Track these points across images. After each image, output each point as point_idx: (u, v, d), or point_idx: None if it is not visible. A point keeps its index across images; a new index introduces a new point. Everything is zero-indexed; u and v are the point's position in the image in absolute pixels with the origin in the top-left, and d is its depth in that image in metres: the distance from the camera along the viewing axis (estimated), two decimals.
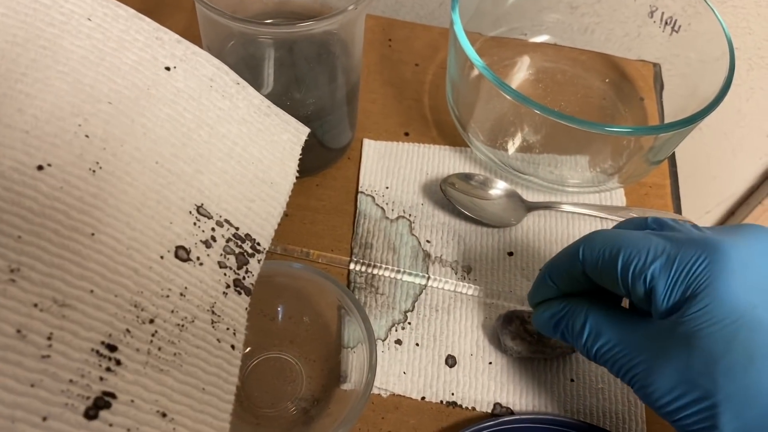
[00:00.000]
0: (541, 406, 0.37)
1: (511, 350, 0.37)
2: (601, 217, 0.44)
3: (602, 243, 0.29)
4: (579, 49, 0.51)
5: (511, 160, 0.44)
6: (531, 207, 0.43)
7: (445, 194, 0.42)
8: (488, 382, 0.38)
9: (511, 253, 0.42)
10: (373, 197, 0.44)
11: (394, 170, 0.45)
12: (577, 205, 0.44)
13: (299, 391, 0.37)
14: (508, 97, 0.38)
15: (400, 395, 0.37)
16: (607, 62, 0.51)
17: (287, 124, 0.32)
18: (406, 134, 0.47)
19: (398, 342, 0.39)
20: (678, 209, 0.45)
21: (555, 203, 0.44)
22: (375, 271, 0.41)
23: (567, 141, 0.43)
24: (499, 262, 0.42)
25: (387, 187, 0.44)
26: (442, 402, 0.37)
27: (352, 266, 0.41)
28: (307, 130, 0.33)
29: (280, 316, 0.37)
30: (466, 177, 0.43)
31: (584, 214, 0.44)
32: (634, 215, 0.44)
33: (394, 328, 0.39)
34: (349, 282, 0.40)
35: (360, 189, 0.44)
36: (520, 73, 0.50)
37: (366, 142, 0.46)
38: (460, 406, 0.37)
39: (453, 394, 0.37)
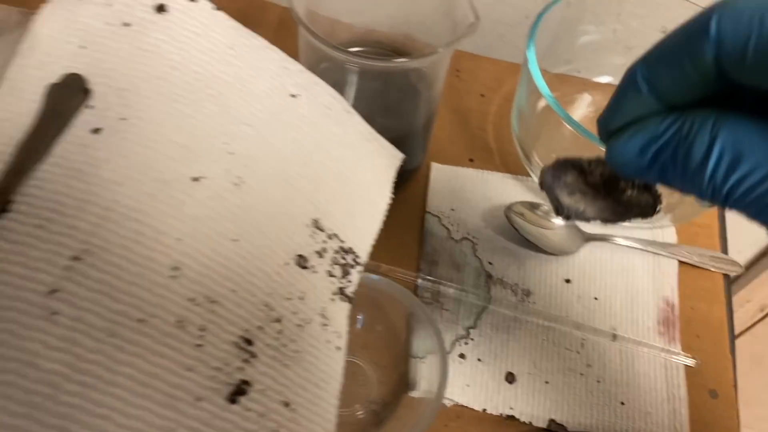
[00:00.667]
0: (592, 425, 0.40)
1: (570, 211, 0.29)
2: (653, 252, 0.47)
3: (757, 7, 0.18)
4: None
5: None
6: (588, 238, 0.47)
7: (509, 221, 0.46)
8: (544, 400, 0.41)
9: (568, 281, 0.46)
10: (439, 218, 0.48)
11: (459, 194, 0.49)
12: (630, 239, 0.47)
13: (370, 394, 0.40)
14: (570, 128, 0.41)
15: (463, 405, 0.41)
16: None
17: (385, 150, 0.36)
18: (471, 160, 0.51)
19: (462, 356, 0.42)
20: (725, 249, 0.49)
21: (610, 236, 0.47)
22: (440, 288, 0.44)
23: None
24: (557, 288, 0.45)
25: (452, 209, 0.48)
26: (501, 415, 0.40)
27: (419, 281, 0.44)
28: (401, 156, 0.37)
29: (358, 323, 0.41)
30: (532, 206, 0.46)
31: (638, 248, 0.47)
32: (686, 253, 0.47)
33: (458, 343, 0.43)
34: (416, 296, 0.44)
35: (427, 209, 0.48)
36: (581, 110, 0.53)
37: (434, 165, 0.50)
38: (518, 420, 0.40)
39: (512, 408, 0.41)
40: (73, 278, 0.24)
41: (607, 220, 0.28)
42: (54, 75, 0.28)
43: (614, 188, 0.27)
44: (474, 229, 0.48)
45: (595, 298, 0.46)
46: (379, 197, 0.35)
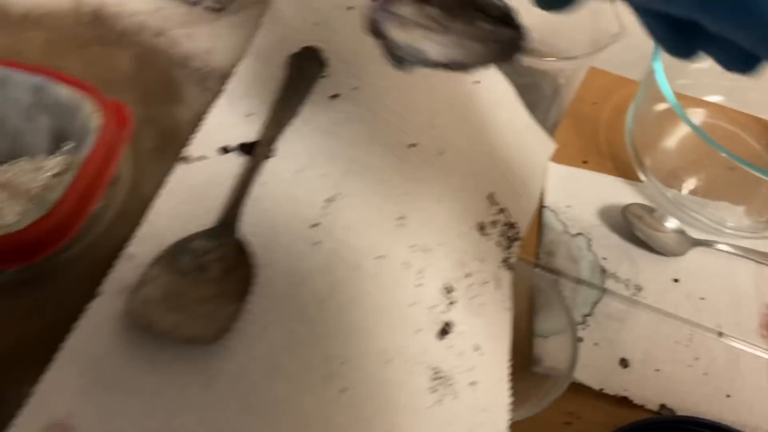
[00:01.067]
0: (699, 413, 0.45)
1: (408, 52, 0.23)
2: (754, 261, 0.52)
3: None
4: (738, 111, 0.60)
5: (679, 198, 0.53)
6: (695, 242, 0.52)
7: (626, 220, 0.51)
8: (655, 386, 0.46)
9: (676, 280, 0.51)
10: (556, 213, 0.53)
11: (574, 192, 0.54)
12: (733, 246, 0.52)
13: None
14: (686, 134, 0.46)
15: (582, 383, 0.45)
16: (764, 127, 0.60)
17: (541, 139, 0.41)
18: (585, 162, 0.56)
19: (580, 339, 0.47)
20: None
21: (715, 242, 0.52)
22: (558, 277, 0.49)
23: (729, 189, 0.52)
24: (666, 286, 0.51)
25: (568, 206, 0.53)
26: (616, 395, 0.45)
27: (537, 270, 0.49)
28: (554, 146, 0.42)
29: None
30: (650, 210, 0.52)
31: (740, 256, 0.52)
32: None
33: (575, 327, 0.47)
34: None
35: (545, 204, 0.53)
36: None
37: (551, 164, 0.55)
38: (631, 401, 0.45)
39: (626, 390, 0.46)
40: (329, 216, 0.29)
41: (457, 64, 0.22)
42: (294, 46, 0.34)
43: (464, 20, 0.23)
44: (589, 226, 0.53)
45: (702, 298, 0.50)
46: (537, 181, 0.40)
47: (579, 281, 0.50)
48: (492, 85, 0.39)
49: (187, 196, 0.29)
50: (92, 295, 0.26)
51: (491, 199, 0.37)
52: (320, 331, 0.27)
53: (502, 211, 0.38)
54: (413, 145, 0.33)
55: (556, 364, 0.44)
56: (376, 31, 0.23)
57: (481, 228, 0.36)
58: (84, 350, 0.25)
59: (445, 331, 0.31)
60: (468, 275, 0.34)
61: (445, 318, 0.32)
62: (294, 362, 0.26)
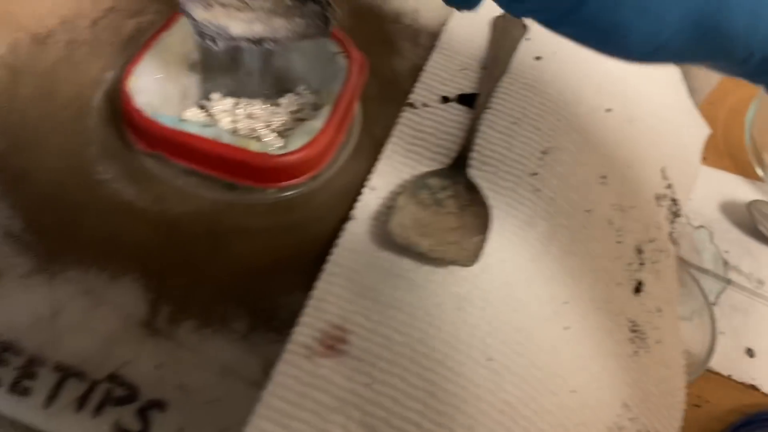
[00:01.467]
0: None
1: (210, 30, 0.25)
2: None
3: None
4: None
5: None
6: None
7: (752, 216, 0.53)
8: None
9: None
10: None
11: (695, 186, 0.56)
12: None
13: None
14: None
15: (710, 369, 0.47)
16: None
17: (699, 123, 0.44)
18: (704, 158, 0.58)
19: None
20: None
21: None
22: (683, 266, 0.51)
23: None
24: None
25: (689, 199, 0.55)
26: (744, 383, 0.47)
27: None
28: (708, 131, 0.44)
29: None
30: None
31: None
32: None
33: None
34: None
35: None
36: None
37: None
38: (758, 389, 0.47)
39: (753, 379, 0.47)
40: (546, 166, 0.32)
41: (262, 39, 0.24)
42: (497, 10, 0.36)
43: None
44: (710, 219, 0.55)
45: None
46: (695, 162, 0.43)
47: (703, 270, 0.52)
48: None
49: (416, 138, 0.31)
50: (342, 218, 0.29)
51: (663, 172, 0.39)
52: (546, 270, 0.29)
53: (669, 186, 0.40)
54: (609, 110, 0.36)
55: (687, 347, 0.46)
56: (183, 11, 0.25)
57: (657, 198, 0.38)
58: (346, 265, 0.27)
59: (638, 288, 0.33)
60: (651, 240, 0.36)
61: (638, 277, 0.34)
62: (528, 296, 0.28)
